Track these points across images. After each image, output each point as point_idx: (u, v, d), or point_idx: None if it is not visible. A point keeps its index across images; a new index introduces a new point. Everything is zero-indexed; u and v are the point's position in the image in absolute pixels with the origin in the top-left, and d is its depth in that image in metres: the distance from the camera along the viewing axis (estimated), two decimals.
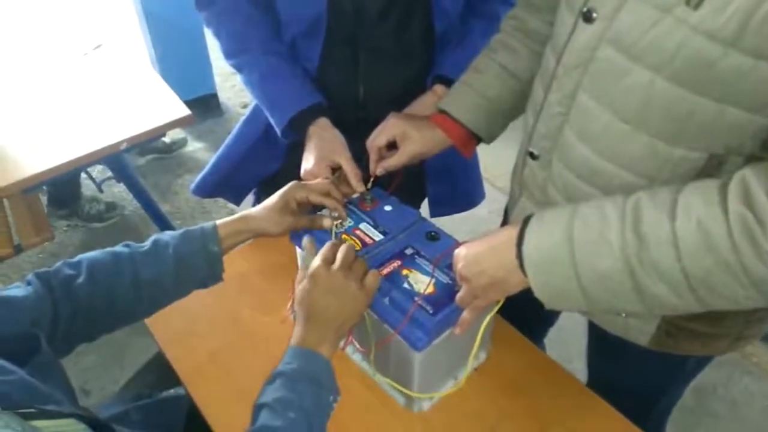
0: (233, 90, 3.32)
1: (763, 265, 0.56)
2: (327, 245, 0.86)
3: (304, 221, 0.95)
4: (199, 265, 0.87)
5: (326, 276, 0.81)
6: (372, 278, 0.83)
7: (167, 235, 0.88)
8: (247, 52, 1.13)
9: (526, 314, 0.95)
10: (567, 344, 1.25)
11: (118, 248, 0.85)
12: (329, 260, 0.83)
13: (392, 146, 1.02)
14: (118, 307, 0.83)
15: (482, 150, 1.17)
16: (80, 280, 0.79)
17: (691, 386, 1.83)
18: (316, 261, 0.83)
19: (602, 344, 1.02)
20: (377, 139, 1.01)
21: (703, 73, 0.59)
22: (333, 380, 0.77)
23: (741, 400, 1.86)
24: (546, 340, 1.31)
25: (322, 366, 0.76)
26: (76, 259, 0.83)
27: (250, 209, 0.94)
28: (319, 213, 0.98)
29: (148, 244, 0.86)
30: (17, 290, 0.75)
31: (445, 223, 1.05)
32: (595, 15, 0.67)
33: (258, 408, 0.72)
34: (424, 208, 1.36)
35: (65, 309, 0.77)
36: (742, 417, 1.82)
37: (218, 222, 0.90)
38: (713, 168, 0.65)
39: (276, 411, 0.70)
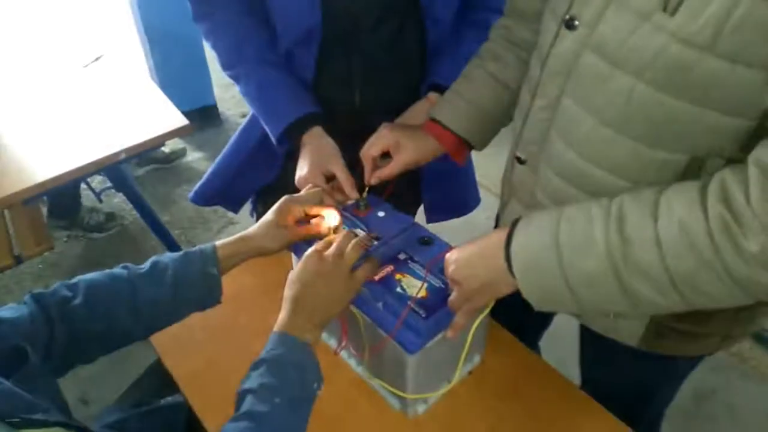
0: (233, 101, 3.34)
1: (744, 264, 0.58)
2: (324, 239, 0.88)
3: (302, 232, 0.96)
4: (197, 288, 0.88)
5: (317, 261, 0.82)
6: (363, 270, 0.84)
7: (166, 257, 0.88)
8: (244, 63, 1.15)
9: (519, 317, 0.96)
10: (563, 349, 1.25)
11: (117, 270, 0.85)
12: (325, 248, 0.85)
13: (386, 155, 1.04)
14: (115, 329, 0.83)
15: (479, 157, 1.19)
16: (77, 301, 0.79)
17: (690, 390, 1.83)
18: (311, 248, 0.85)
19: (594, 346, 1.03)
20: (371, 149, 1.02)
21: (681, 77, 0.61)
22: (317, 368, 0.77)
23: (740, 403, 1.86)
24: (542, 345, 1.32)
25: (306, 353, 0.77)
26: (74, 280, 0.82)
27: (247, 230, 0.94)
28: (313, 221, 0.99)
29: (146, 266, 0.86)
30: (11, 311, 0.75)
31: (442, 230, 1.06)
32: (577, 22, 0.69)
33: (243, 393, 0.72)
34: (420, 216, 1.37)
35: (61, 331, 0.77)
36: (741, 420, 1.83)
37: (217, 243, 0.91)
38: (694, 170, 0.66)
39: (262, 396, 0.70)
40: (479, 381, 0.99)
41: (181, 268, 0.87)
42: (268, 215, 0.95)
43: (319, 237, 0.96)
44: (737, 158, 0.62)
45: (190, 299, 0.88)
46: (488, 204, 1.60)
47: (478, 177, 1.45)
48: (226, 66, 1.17)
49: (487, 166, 1.75)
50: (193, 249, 0.90)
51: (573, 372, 1.08)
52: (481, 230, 0.79)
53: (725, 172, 0.60)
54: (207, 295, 0.89)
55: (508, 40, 0.96)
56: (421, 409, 0.94)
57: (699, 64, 0.59)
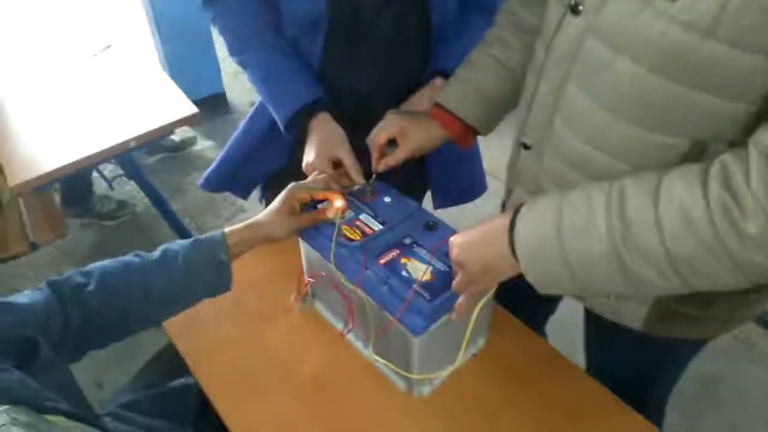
0: (241, 89, 3.35)
1: (744, 247, 0.58)
2: None
3: (309, 218, 0.97)
4: (208, 275, 0.89)
5: None
6: None
7: (177, 245, 0.90)
8: (251, 50, 1.16)
9: (525, 303, 0.97)
10: (568, 337, 1.26)
11: (129, 258, 0.87)
12: None
13: (392, 142, 1.04)
14: (128, 315, 0.85)
15: (486, 144, 1.18)
16: (90, 288, 0.81)
17: (698, 375, 1.83)
18: None
19: (598, 331, 1.04)
20: (377, 137, 1.03)
21: (682, 62, 0.61)
22: None
23: (748, 389, 1.87)
24: (549, 333, 1.33)
25: None
26: (88, 268, 0.84)
27: (256, 216, 0.96)
28: (320, 206, 1.01)
29: (157, 253, 0.88)
30: (27, 297, 0.77)
31: (451, 218, 1.06)
32: (581, 7, 0.69)
33: None
34: (428, 202, 1.38)
35: (75, 317, 0.79)
36: (749, 406, 1.83)
37: (227, 230, 0.92)
38: (696, 154, 0.66)
39: None
40: (484, 364, 1.00)
41: (191, 255, 0.88)
42: (276, 202, 0.96)
43: (326, 223, 0.97)
44: (740, 142, 0.63)
45: (201, 285, 0.90)
46: (495, 191, 1.60)
47: (485, 164, 1.45)
48: (233, 52, 1.18)
49: (495, 153, 1.75)
50: (203, 236, 0.91)
51: (578, 358, 1.09)
52: (488, 217, 0.80)
53: (726, 155, 0.60)
54: (217, 282, 0.91)
55: (513, 25, 0.96)
56: (426, 390, 0.96)
57: (700, 48, 0.59)
